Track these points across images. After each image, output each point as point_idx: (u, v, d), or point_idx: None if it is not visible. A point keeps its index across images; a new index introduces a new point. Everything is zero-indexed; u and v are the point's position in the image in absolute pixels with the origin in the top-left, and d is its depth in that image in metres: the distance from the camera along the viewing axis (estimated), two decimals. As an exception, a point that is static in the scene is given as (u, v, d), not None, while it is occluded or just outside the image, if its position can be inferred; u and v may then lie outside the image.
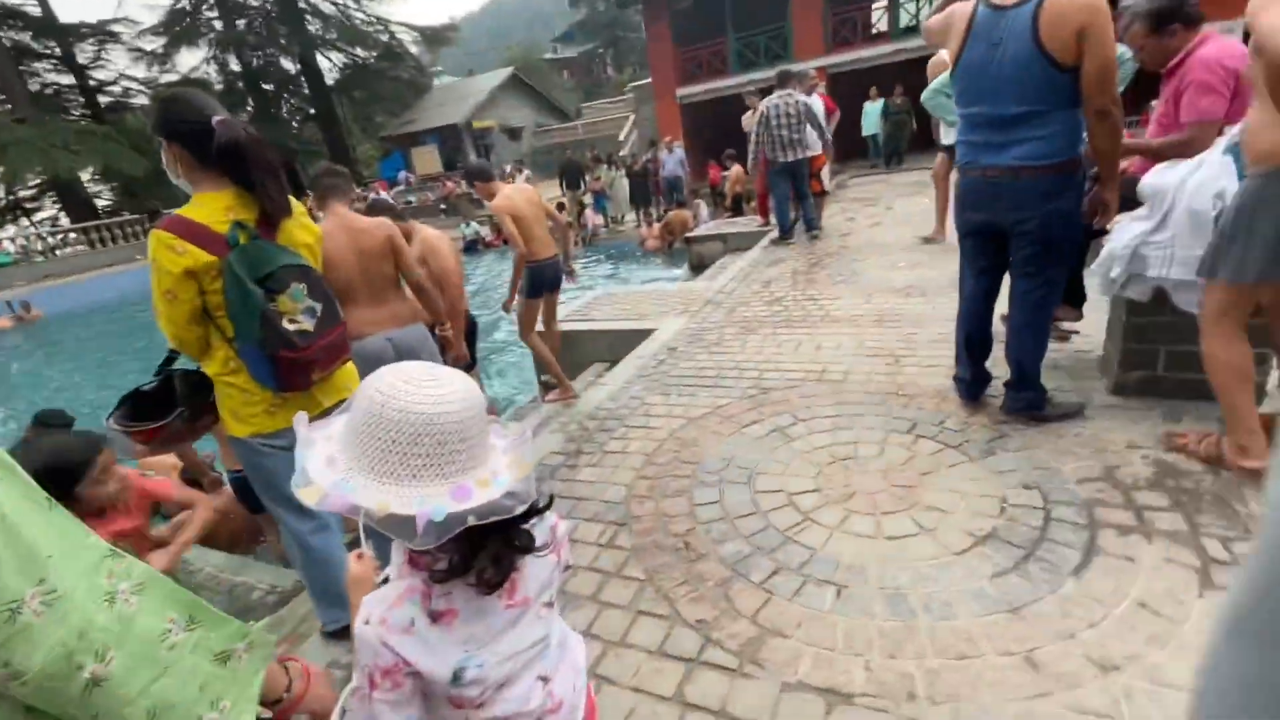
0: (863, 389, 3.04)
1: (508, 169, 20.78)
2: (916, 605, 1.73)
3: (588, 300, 5.78)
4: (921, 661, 1.56)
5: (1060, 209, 2.23)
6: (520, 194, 3.80)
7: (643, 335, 4.49)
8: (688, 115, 15.53)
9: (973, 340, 2.60)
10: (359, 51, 29.69)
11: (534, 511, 0.87)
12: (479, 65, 38.36)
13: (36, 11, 23.90)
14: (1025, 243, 2.30)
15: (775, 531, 2.13)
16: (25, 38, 24.14)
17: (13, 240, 18.83)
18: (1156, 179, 2.31)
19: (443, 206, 18.87)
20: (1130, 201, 2.49)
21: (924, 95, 4.15)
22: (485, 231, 14.69)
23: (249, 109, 29.03)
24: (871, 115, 11.97)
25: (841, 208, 8.23)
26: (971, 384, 2.68)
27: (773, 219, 7.77)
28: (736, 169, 9.56)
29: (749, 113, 7.69)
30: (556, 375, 3.84)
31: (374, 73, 30.25)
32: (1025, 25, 2.08)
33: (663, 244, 10.79)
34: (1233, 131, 2.21)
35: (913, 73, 7.72)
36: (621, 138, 24.97)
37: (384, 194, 17.76)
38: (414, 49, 31.95)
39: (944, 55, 4.49)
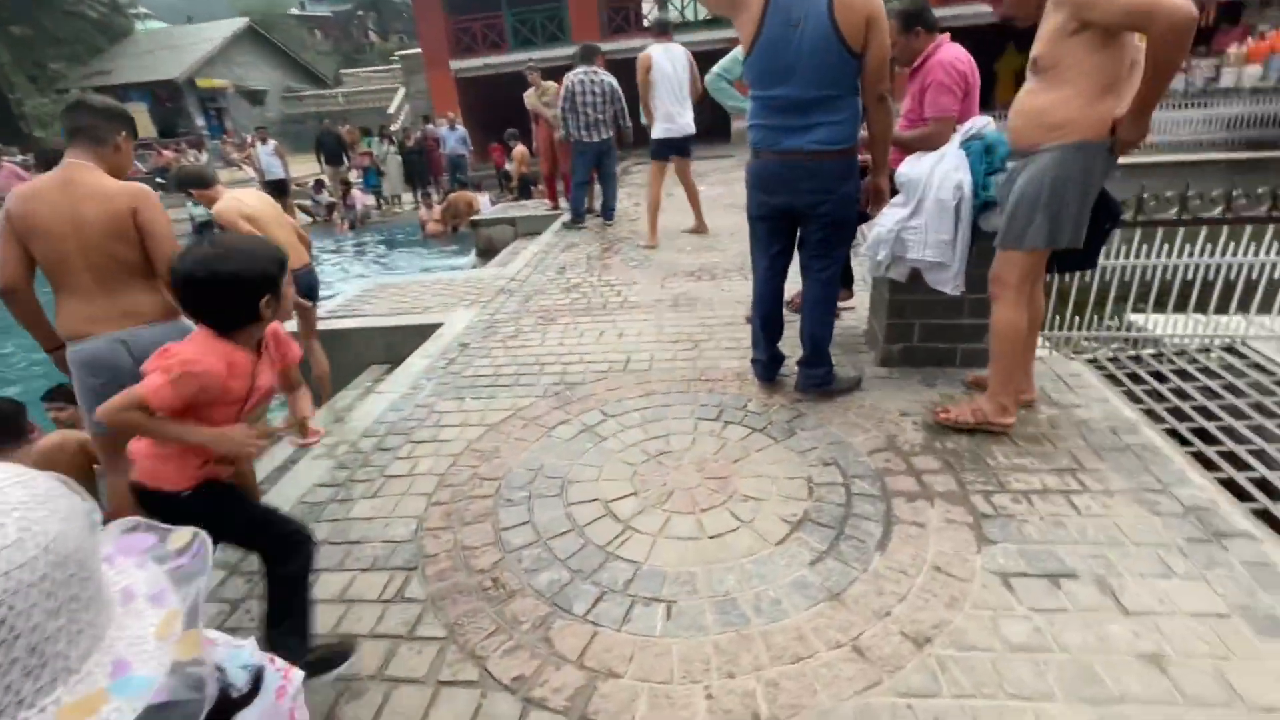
0: (668, 377, 2.97)
1: (248, 137, 17.62)
2: (747, 609, 1.64)
3: (357, 292, 4.99)
4: (760, 674, 1.46)
5: (850, 192, 2.34)
6: (251, 195, 3.10)
7: (428, 331, 3.96)
8: (465, 91, 14.55)
9: (768, 322, 2.66)
10: (12, -28, 22.68)
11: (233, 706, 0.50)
12: (200, 13, 31.73)
13: None
14: (819, 225, 2.38)
15: (595, 549, 1.91)
16: None
17: None
18: (909, 169, 2.54)
19: (159, 180, 15.27)
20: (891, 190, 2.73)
21: (708, 78, 4.23)
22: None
23: None
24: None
25: (627, 193, 8.33)
26: (768, 364, 2.74)
27: (563, 203, 7.58)
28: (521, 149, 9.13)
29: (531, 89, 7.34)
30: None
31: (42, 4, 23.37)
32: (822, 8, 2.10)
33: (445, 228, 9.96)
34: (965, 128, 2.50)
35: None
36: (391, 110, 22.70)
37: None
38: (102, -20, 25.42)
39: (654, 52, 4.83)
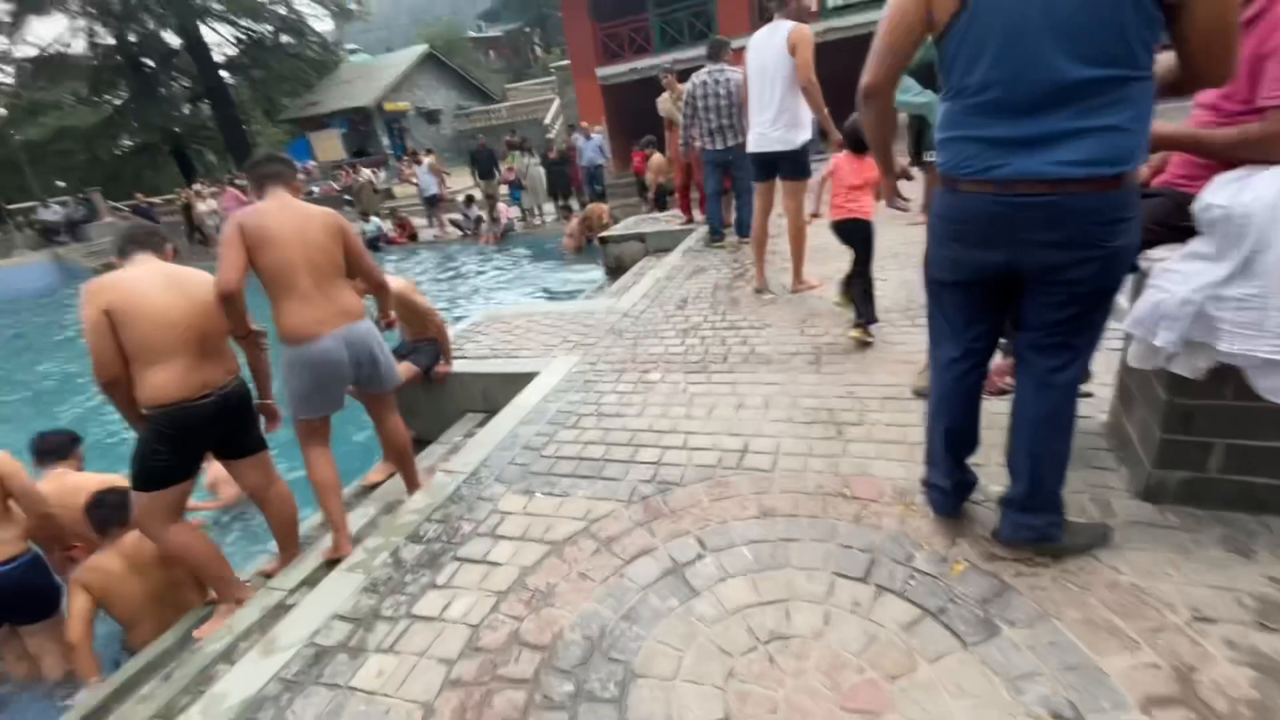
0: (797, 485, 2.16)
1: (426, 159, 19.16)
2: None
3: (466, 326, 4.70)
4: None
5: (1128, 245, 1.38)
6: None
7: (522, 381, 3.48)
8: (610, 97, 14.41)
9: (956, 435, 1.75)
10: (252, 25, 26.91)
11: None
12: (400, 43, 35.56)
13: None
14: (1066, 297, 1.43)
15: (649, 842, 1.20)
16: None
17: None
18: (1228, 198, 1.49)
19: (346, 198, 17.07)
20: (1175, 229, 1.68)
21: (902, 96, 2.65)
22: (388, 227, 13.20)
23: (124, 89, 25.92)
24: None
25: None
26: (951, 494, 1.83)
27: (698, 216, 6.89)
28: (658, 158, 8.58)
29: (665, 94, 6.74)
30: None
31: (271, 49, 27.55)
32: None
33: (579, 241, 9.72)
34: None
35: (843, 54, 6.95)
36: (547, 121, 23.58)
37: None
38: (318, 24, 29.40)
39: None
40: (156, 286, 2.21)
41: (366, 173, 17.11)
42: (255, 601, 2.35)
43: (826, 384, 2.85)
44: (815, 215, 3.83)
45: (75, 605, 2.72)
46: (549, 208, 12.27)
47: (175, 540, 2.37)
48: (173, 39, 25.72)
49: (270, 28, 27.43)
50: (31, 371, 8.92)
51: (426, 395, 3.81)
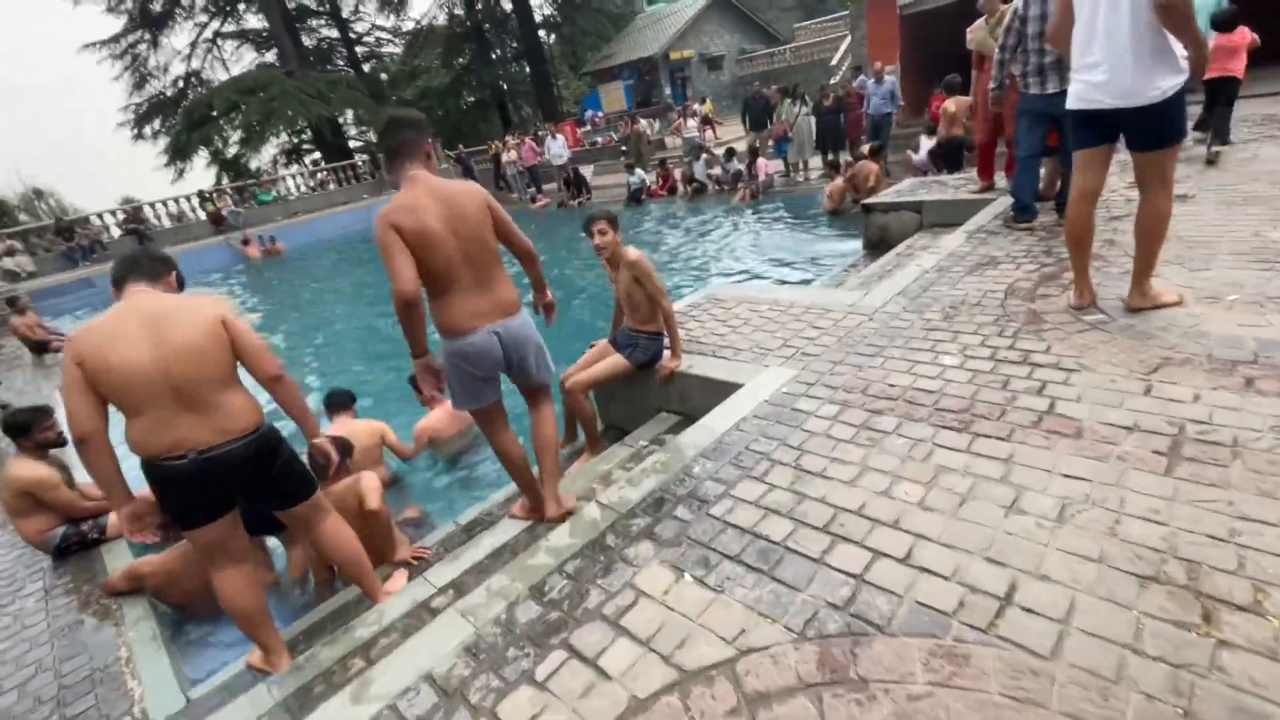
0: (1101, 711, 1.24)
1: (695, 106, 19.00)
2: None
3: (688, 303, 4.23)
4: None
5: None
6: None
7: (723, 390, 2.91)
8: (909, 31, 12.17)
9: None
10: (564, -18, 29.39)
11: None
12: None
13: (314, -28, 27.07)
14: None
15: None
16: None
17: (301, 176, 22.10)
18: None
19: (623, 148, 17.87)
20: None
21: None
22: (651, 179, 13.36)
23: (467, 53, 30.66)
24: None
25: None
26: None
27: (1001, 181, 5.31)
28: (955, 101, 6.79)
29: (980, 21, 5.16)
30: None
31: (579, 5, 29.81)
32: None
33: (838, 203, 8.47)
34: None
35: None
36: (834, 61, 21.44)
37: (509, 151, 17.13)
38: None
39: None
40: (130, 330, 1.89)
41: (643, 123, 17.59)
42: (406, 592, 2.31)
43: (1186, 504, 1.70)
44: None
45: (302, 553, 3.11)
46: (815, 162, 11.06)
47: (216, 585, 2.18)
48: (506, 4, 29.48)
49: (581, -16, 29.63)
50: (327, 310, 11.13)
51: (625, 382, 3.48)
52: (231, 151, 26.55)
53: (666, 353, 3.32)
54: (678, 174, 12.66)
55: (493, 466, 4.18)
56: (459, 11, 29.92)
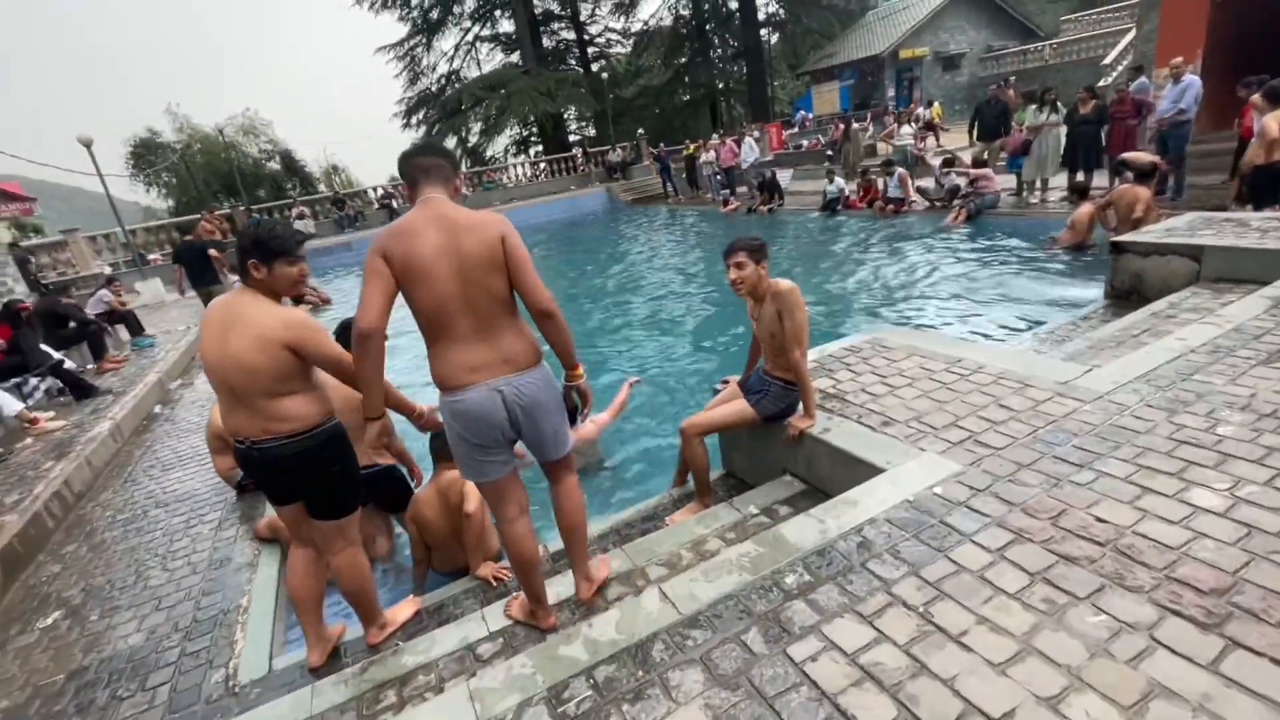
0: None
1: (920, 109, 17.12)
2: None
3: (847, 343, 3.60)
4: None
5: None
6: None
7: (855, 471, 2.35)
8: (1220, 18, 9.50)
9: None
10: (797, -21, 28.38)
11: None
12: None
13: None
14: None
15: None
16: (553, 4, 30.34)
17: (523, 166, 24.50)
18: None
19: (828, 153, 16.75)
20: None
21: None
22: (851, 188, 12.26)
23: (685, 53, 31.14)
24: None
25: None
26: None
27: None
28: (1267, 121, 4.95)
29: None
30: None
31: (807, 3, 28.65)
32: None
33: (1081, 237, 6.84)
34: None
35: None
36: (1108, 60, 17.91)
37: (704, 151, 16.50)
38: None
39: None
40: (213, 325, 2.00)
41: (855, 127, 16.31)
42: (462, 626, 2.18)
43: None
44: None
45: (410, 531, 3.19)
46: (1057, 182, 9.17)
47: (288, 558, 2.28)
48: (732, 2, 29.38)
49: (810, -23, 28.40)
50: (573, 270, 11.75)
51: (750, 430, 3.03)
52: (473, 141, 30.16)
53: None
54: (881, 184, 11.45)
55: (615, 487, 3.99)
56: (685, 12, 30.52)
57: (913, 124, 12.21)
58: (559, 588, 2.31)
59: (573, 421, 2.41)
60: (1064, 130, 8.79)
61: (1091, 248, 6.89)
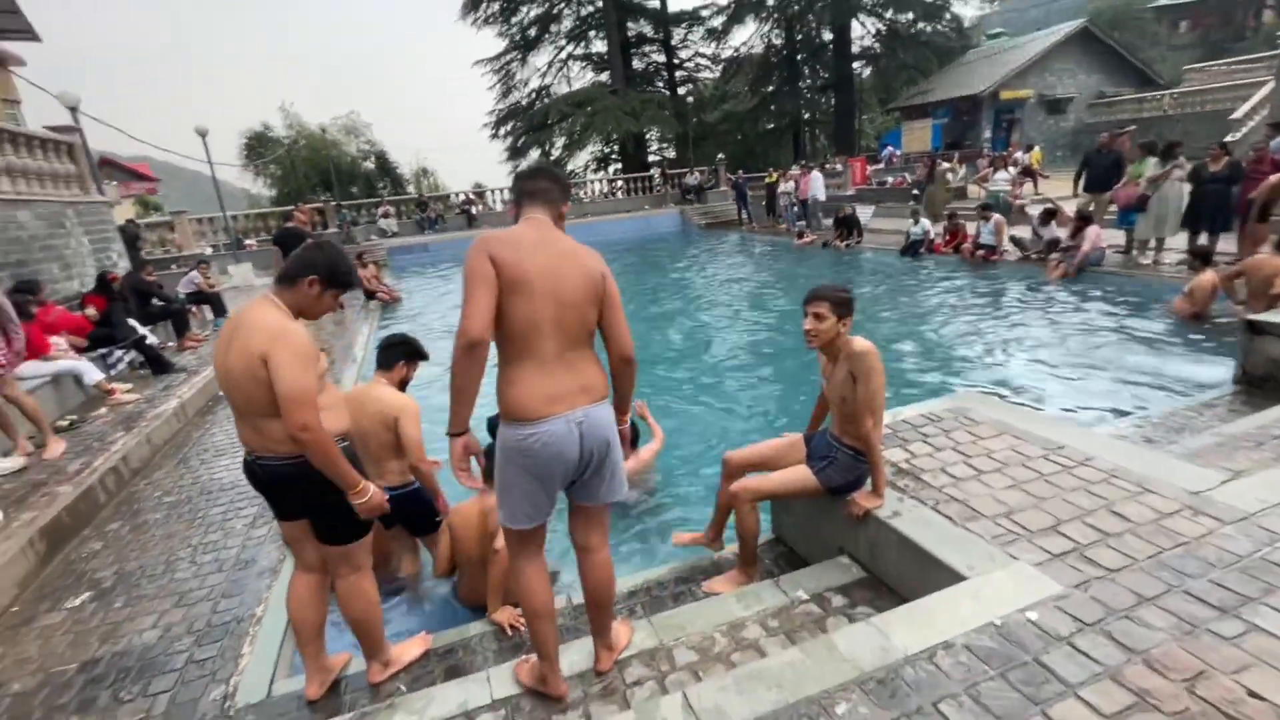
0: None
1: (1018, 154, 16.17)
2: None
3: (934, 406, 3.21)
4: None
5: None
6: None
7: (925, 569, 2.01)
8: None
9: None
10: (895, 15, 27.70)
11: None
12: (1059, 19, 30.11)
13: (656, 5, 30.02)
14: None
15: None
16: (646, 28, 30.90)
17: (601, 182, 24.84)
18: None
19: (914, 191, 16.06)
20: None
21: None
22: (937, 230, 11.62)
23: (773, 81, 30.93)
24: None
25: None
26: None
27: None
28: None
29: None
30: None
31: (904, 37, 27.93)
32: None
33: (1200, 308, 6.09)
34: None
35: None
36: (1238, 114, 16.47)
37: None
38: (961, 8, 28.10)
39: None
40: (224, 333, 1.94)
41: (945, 166, 15.59)
42: (459, 690, 1.98)
43: None
44: None
45: (441, 542, 3.04)
46: (1174, 242, 8.31)
47: (292, 584, 2.23)
48: (826, 34, 28.99)
49: (911, 15, 27.66)
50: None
51: (810, 501, 2.72)
52: (554, 155, 30.89)
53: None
54: (971, 229, 10.79)
55: (659, 529, 3.73)
56: (777, 41, 30.36)
57: (1009, 169, 11.45)
58: (574, 656, 2.08)
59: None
60: (1187, 188, 7.98)
61: (1210, 320, 6.15)
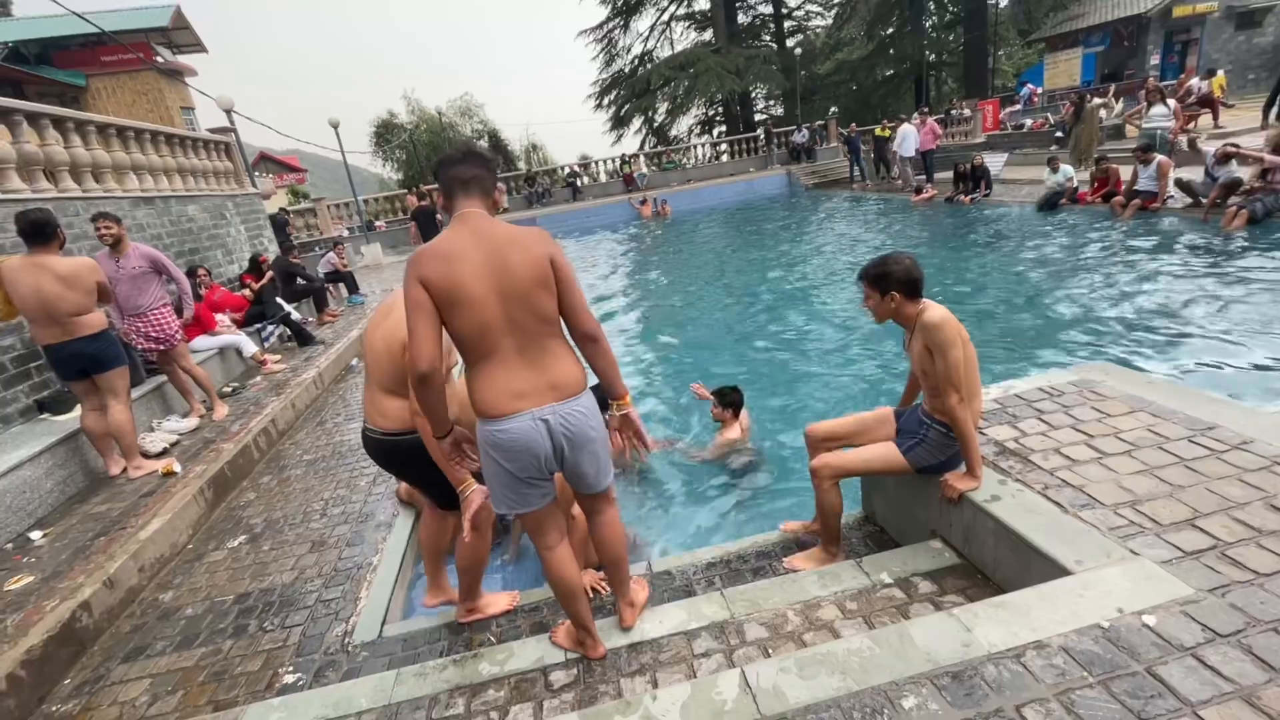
0: None
1: (1195, 81, 13.67)
2: None
3: (1055, 378, 2.88)
4: None
5: None
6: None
7: (1033, 563, 1.82)
8: None
9: None
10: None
11: None
12: None
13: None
14: None
15: None
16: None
17: (703, 146, 24.38)
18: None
19: (1058, 134, 14.18)
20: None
21: None
22: (1081, 178, 10.21)
23: (893, 21, 28.39)
24: None
25: None
26: None
27: None
28: None
29: None
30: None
31: (1054, -47, 24.43)
32: None
33: None
34: None
35: None
36: None
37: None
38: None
39: None
40: (379, 315, 2.22)
41: (1096, 102, 13.61)
42: (536, 648, 2.11)
43: None
44: None
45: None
46: None
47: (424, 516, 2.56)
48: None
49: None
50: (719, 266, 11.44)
51: (902, 480, 2.56)
52: (658, 120, 30.55)
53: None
54: (1126, 175, 9.37)
55: (750, 501, 3.70)
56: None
57: (1167, 103, 9.74)
58: (645, 624, 2.12)
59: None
60: None
61: None
